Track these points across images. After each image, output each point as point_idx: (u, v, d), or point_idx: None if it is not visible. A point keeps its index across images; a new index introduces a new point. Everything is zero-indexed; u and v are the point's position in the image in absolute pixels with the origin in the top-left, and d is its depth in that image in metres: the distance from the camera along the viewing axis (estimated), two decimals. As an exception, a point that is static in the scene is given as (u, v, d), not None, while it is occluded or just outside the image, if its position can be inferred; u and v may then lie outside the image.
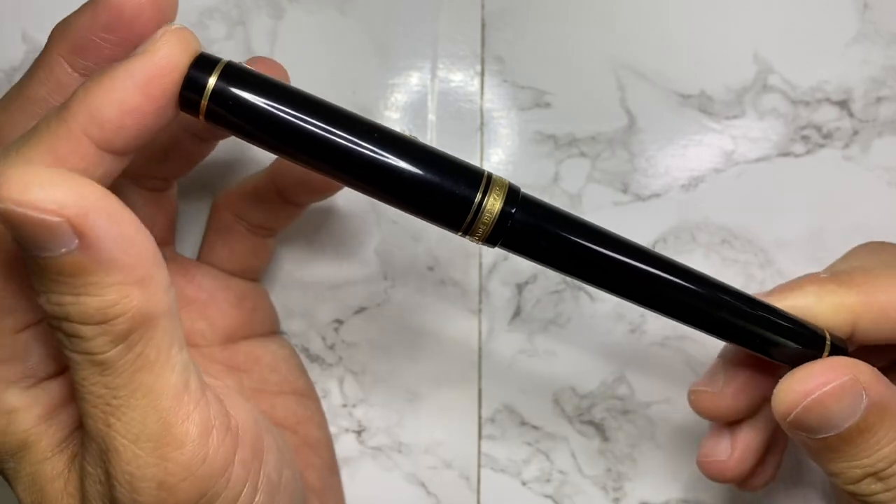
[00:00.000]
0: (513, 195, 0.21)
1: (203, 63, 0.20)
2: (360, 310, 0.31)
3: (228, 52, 0.30)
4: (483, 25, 0.31)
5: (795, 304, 0.23)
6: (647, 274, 0.22)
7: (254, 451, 0.21)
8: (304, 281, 0.31)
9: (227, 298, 0.28)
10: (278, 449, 0.23)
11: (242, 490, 0.21)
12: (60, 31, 0.20)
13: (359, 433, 0.32)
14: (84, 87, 0.19)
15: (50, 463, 0.21)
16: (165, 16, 0.20)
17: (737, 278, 0.31)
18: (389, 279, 0.31)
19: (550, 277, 0.31)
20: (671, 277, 0.22)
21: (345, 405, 0.32)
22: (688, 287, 0.22)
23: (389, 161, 0.20)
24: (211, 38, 0.30)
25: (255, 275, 0.29)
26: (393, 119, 0.31)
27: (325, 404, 0.31)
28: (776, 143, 0.30)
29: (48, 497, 0.21)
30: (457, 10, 0.31)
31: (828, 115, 0.30)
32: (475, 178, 0.21)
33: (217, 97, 0.20)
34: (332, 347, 0.31)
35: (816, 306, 0.23)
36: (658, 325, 0.31)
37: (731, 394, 0.25)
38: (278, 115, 0.20)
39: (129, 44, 0.20)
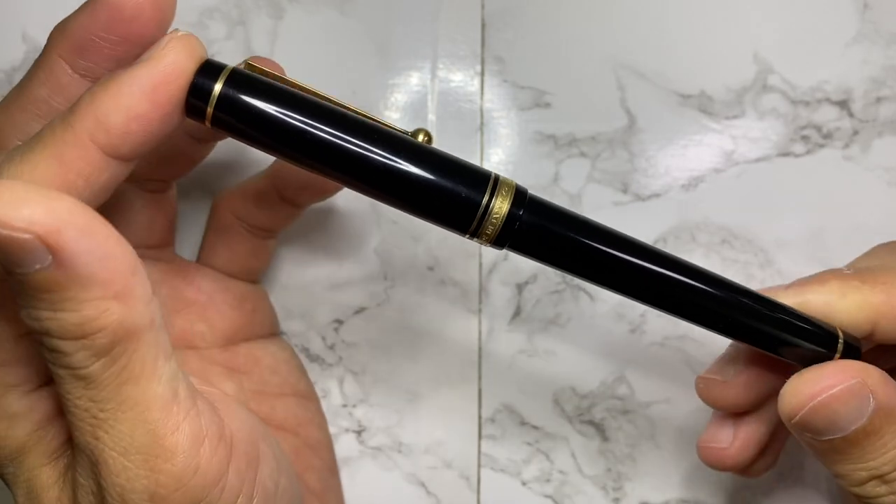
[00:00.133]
0: (520, 197, 0.21)
1: (209, 69, 0.20)
2: (360, 310, 0.31)
3: (228, 52, 0.30)
4: (483, 25, 0.31)
5: (817, 299, 0.23)
6: (658, 275, 0.22)
7: (248, 459, 0.21)
8: (304, 281, 0.31)
9: (227, 300, 0.28)
10: (274, 457, 0.23)
11: (237, 500, 0.21)
12: (60, 32, 0.20)
13: (359, 433, 0.32)
14: (90, 93, 0.19)
15: (46, 470, 0.21)
16: (165, 15, 0.20)
17: (737, 278, 0.30)
18: (389, 279, 0.31)
19: (550, 277, 0.31)
20: (682, 278, 0.22)
21: (345, 405, 0.32)
22: (700, 288, 0.22)
23: (396, 165, 0.20)
24: (211, 38, 0.30)
25: (255, 276, 0.29)
26: (393, 119, 0.31)
27: (325, 404, 0.31)
28: (776, 143, 0.30)
29: None
30: (457, 10, 0.31)
31: (828, 115, 0.30)
32: (482, 181, 0.21)
33: (223, 104, 0.20)
34: (331, 347, 0.31)
35: (838, 302, 0.23)
36: (658, 325, 0.31)
37: (741, 384, 0.25)
38: (285, 121, 0.20)
39: (128, 43, 0.20)
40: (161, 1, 0.20)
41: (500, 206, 0.21)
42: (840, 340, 0.23)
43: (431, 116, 0.31)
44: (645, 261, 0.22)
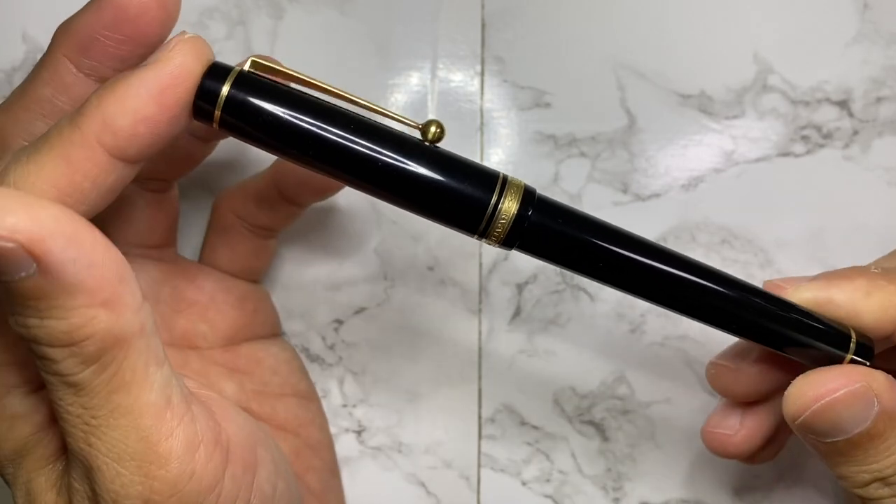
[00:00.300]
0: (528, 197, 0.21)
1: (216, 72, 0.20)
2: (360, 310, 0.31)
3: (228, 52, 0.30)
4: (483, 25, 0.31)
5: (842, 296, 0.23)
6: (668, 275, 0.22)
7: (245, 464, 0.21)
8: (305, 281, 0.31)
9: (228, 300, 0.28)
10: (272, 460, 0.23)
11: None
12: (64, 31, 0.20)
13: (359, 433, 0.32)
14: (97, 95, 0.19)
15: (43, 473, 0.21)
16: (169, 14, 0.20)
17: (737, 278, 0.31)
18: (389, 279, 0.31)
19: (550, 277, 0.31)
20: (694, 278, 0.22)
21: (345, 405, 0.32)
22: (712, 288, 0.22)
23: (404, 167, 0.20)
24: (211, 38, 0.30)
25: (256, 276, 0.29)
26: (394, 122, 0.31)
27: (325, 404, 0.31)
28: (776, 143, 0.30)
29: None
30: (457, 10, 0.31)
31: (828, 115, 0.30)
32: (491, 181, 0.21)
33: (230, 106, 0.20)
34: (332, 347, 0.31)
35: (862, 301, 0.23)
36: (658, 325, 0.31)
37: (752, 375, 0.25)
38: (293, 123, 0.20)
39: (133, 42, 0.20)
40: (166, 0, 0.20)
41: (509, 206, 0.21)
42: (852, 341, 0.23)
43: (431, 116, 0.31)
44: (655, 261, 0.22)
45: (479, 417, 0.31)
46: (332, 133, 0.20)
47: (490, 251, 0.31)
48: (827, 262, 0.30)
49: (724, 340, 0.25)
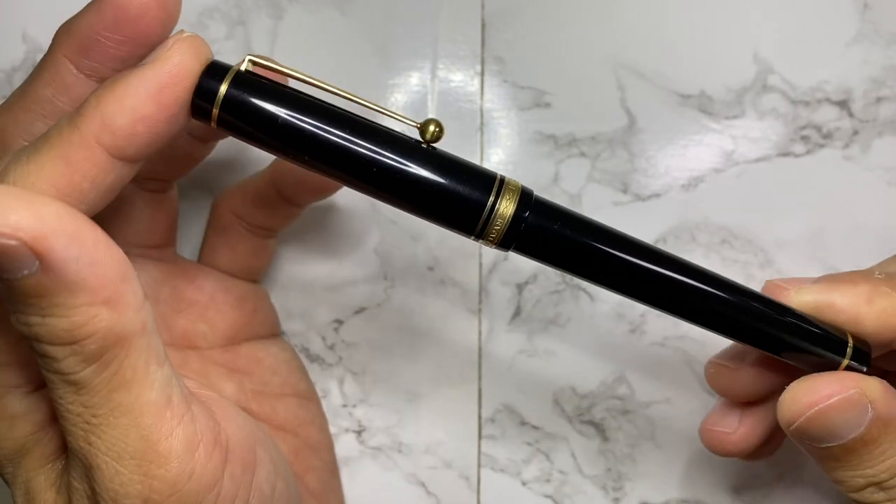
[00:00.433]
0: (526, 198, 0.21)
1: (214, 70, 0.20)
2: (360, 310, 0.31)
3: (228, 52, 0.30)
4: (483, 25, 0.31)
5: (844, 301, 0.23)
6: (664, 278, 0.22)
7: (244, 464, 0.21)
8: (304, 281, 0.31)
9: (228, 300, 0.28)
10: (271, 460, 0.23)
11: None
12: (65, 32, 0.20)
13: (359, 433, 0.32)
14: (96, 95, 0.19)
15: (43, 473, 0.21)
16: (170, 13, 0.20)
17: (737, 278, 0.30)
18: (389, 279, 0.31)
19: (550, 277, 0.31)
20: (690, 281, 0.22)
21: (345, 405, 0.32)
22: (709, 292, 0.22)
23: (401, 167, 0.20)
24: (211, 38, 0.30)
25: (255, 276, 0.29)
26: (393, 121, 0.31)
27: (325, 404, 0.31)
28: (776, 143, 0.30)
29: None
30: (457, 10, 0.31)
31: (828, 115, 0.30)
32: (488, 182, 0.21)
33: (228, 104, 0.20)
34: (331, 347, 0.31)
35: (864, 307, 0.22)
36: (658, 325, 0.31)
37: (751, 376, 0.25)
38: (290, 122, 0.20)
39: (133, 43, 0.20)
40: (166, 0, 0.20)
41: (506, 207, 0.21)
42: (849, 346, 0.22)
43: (431, 116, 0.31)
44: (652, 263, 0.21)
45: (479, 417, 0.31)
46: (329, 132, 0.20)
47: (490, 251, 0.31)
48: (827, 262, 0.30)
49: (723, 341, 0.25)
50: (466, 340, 0.31)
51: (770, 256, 0.31)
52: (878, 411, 0.21)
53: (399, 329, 0.31)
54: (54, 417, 0.21)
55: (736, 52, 0.30)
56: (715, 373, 0.26)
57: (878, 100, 0.30)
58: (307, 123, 0.20)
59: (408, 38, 0.31)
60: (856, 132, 0.30)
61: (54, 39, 0.20)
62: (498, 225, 0.21)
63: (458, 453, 0.31)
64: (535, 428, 0.31)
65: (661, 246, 0.31)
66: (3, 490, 0.22)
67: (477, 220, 0.21)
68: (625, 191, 0.31)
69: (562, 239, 0.21)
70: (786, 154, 0.30)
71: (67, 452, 0.20)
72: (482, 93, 0.31)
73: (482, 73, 0.31)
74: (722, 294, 0.22)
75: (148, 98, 0.19)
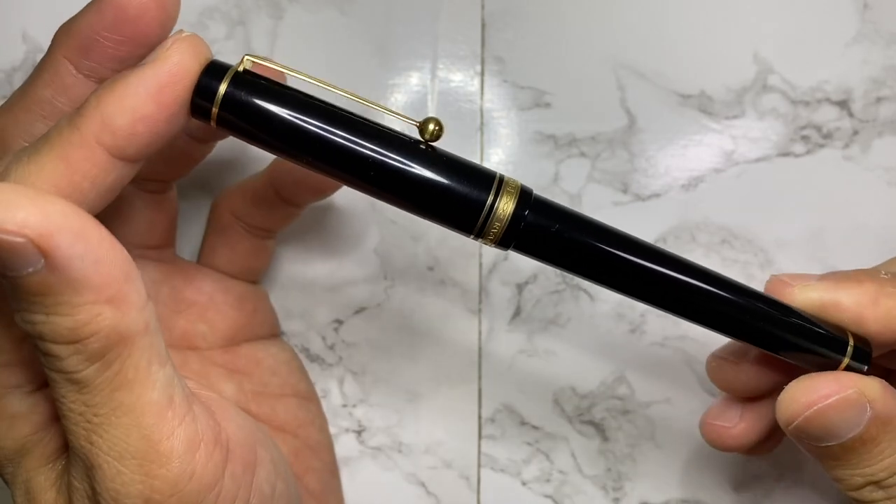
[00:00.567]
0: (525, 197, 0.21)
1: (214, 70, 0.20)
2: (360, 310, 0.31)
3: (228, 52, 0.30)
4: (483, 25, 0.31)
5: (849, 300, 0.22)
6: (664, 277, 0.22)
7: (245, 464, 0.21)
8: (304, 281, 0.31)
9: (227, 300, 0.28)
10: (272, 460, 0.23)
11: None
12: (65, 32, 0.20)
13: (359, 433, 0.32)
14: (96, 95, 0.19)
15: (43, 473, 0.21)
16: (169, 14, 0.20)
17: (737, 278, 0.30)
18: (389, 279, 0.31)
19: (550, 277, 0.31)
20: (690, 280, 0.22)
21: (345, 405, 0.32)
22: (710, 291, 0.22)
23: (400, 166, 0.20)
24: (211, 38, 0.30)
25: (255, 276, 0.29)
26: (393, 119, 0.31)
27: (324, 404, 0.31)
28: (776, 143, 0.30)
29: None
30: (457, 10, 0.31)
31: (828, 115, 0.30)
32: (487, 181, 0.21)
33: (228, 104, 0.20)
34: (331, 347, 0.31)
35: (870, 307, 0.22)
36: (658, 325, 0.31)
37: (752, 372, 0.25)
38: (290, 122, 0.20)
39: (132, 43, 0.20)
40: (165, 1, 0.20)
41: (505, 206, 0.21)
42: (849, 345, 0.22)
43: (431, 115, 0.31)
44: (652, 262, 0.21)
45: (479, 417, 0.31)
46: (329, 130, 0.20)
47: (490, 251, 0.31)
48: (827, 262, 0.30)
49: (724, 339, 0.25)
50: (466, 340, 0.31)
51: (770, 256, 0.31)
52: (876, 411, 0.21)
53: (399, 329, 0.31)
54: (55, 417, 0.21)
55: (736, 52, 0.30)
56: (716, 367, 0.26)
57: (878, 100, 0.30)
58: (306, 122, 0.20)
59: (408, 38, 0.31)
60: (856, 132, 0.30)
61: (54, 40, 0.20)
62: (497, 224, 0.21)
63: (458, 453, 0.31)
64: (535, 428, 0.31)
65: (661, 246, 0.31)
66: (3, 490, 0.22)
67: (476, 219, 0.21)
68: (625, 191, 0.31)
69: (561, 238, 0.21)
70: (786, 154, 0.30)
71: (68, 452, 0.20)
72: (482, 93, 0.31)
73: (482, 73, 0.31)
74: (722, 293, 0.22)
75: (148, 98, 0.19)
